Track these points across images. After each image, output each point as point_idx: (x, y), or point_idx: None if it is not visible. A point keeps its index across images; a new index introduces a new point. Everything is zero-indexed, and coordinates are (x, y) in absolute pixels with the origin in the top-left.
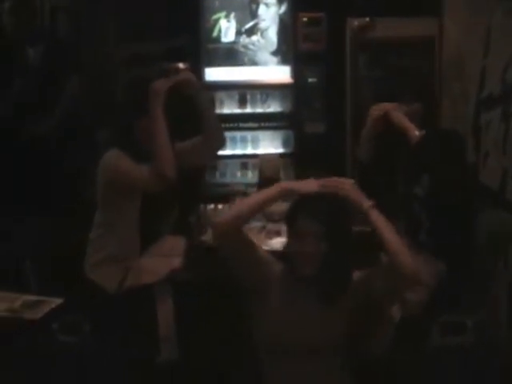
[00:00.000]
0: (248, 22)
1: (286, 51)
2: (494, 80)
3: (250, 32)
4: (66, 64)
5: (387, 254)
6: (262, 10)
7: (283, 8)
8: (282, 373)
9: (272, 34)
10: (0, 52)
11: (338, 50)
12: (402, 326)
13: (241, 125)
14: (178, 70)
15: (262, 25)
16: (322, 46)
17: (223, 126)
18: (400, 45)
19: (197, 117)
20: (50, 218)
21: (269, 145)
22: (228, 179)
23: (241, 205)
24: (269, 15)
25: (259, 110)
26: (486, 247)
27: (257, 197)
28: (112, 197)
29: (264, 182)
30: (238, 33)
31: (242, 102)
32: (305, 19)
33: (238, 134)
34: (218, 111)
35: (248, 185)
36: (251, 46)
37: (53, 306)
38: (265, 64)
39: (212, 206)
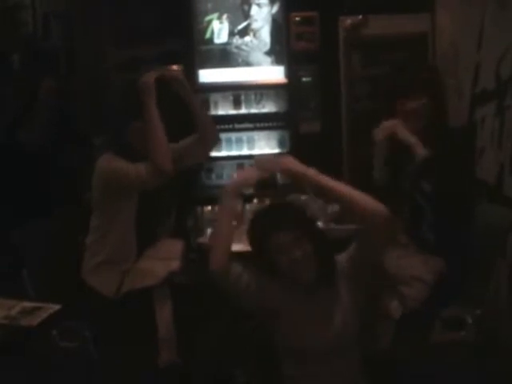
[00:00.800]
0: (241, 22)
1: (279, 51)
2: (488, 75)
3: (243, 33)
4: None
5: (352, 209)
6: (254, 10)
7: (275, 8)
8: (301, 374)
9: (265, 35)
10: None
11: (331, 49)
12: (403, 322)
13: (236, 126)
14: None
15: (255, 25)
16: (316, 45)
17: (218, 127)
18: (393, 42)
19: (187, 118)
20: (47, 223)
21: (264, 145)
22: (225, 181)
23: (218, 241)
24: (261, 15)
25: (254, 110)
26: (483, 240)
27: (222, 221)
28: (109, 200)
29: (260, 182)
30: (231, 34)
31: (237, 103)
32: (297, 19)
33: (234, 135)
34: (212, 113)
35: None
36: (244, 47)
37: (51, 312)
38: (258, 64)
39: (209, 207)
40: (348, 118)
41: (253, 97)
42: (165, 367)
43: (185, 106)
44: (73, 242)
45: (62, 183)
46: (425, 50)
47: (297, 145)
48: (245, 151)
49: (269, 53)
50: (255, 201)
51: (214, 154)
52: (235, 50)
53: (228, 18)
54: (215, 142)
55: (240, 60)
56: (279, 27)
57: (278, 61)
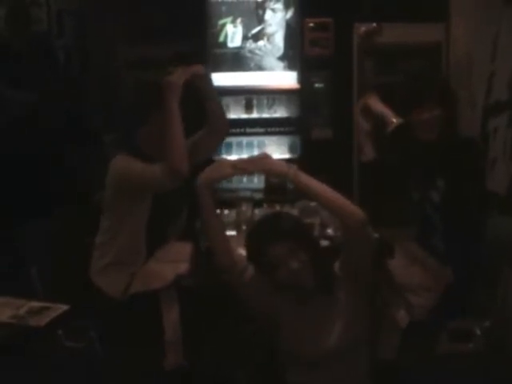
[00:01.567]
0: (254, 27)
1: (292, 56)
2: (501, 85)
3: (257, 37)
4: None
5: (330, 210)
6: (268, 15)
7: (290, 13)
8: (304, 380)
9: (279, 39)
10: None
11: (344, 56)
12: (410, 332)
13: (247, 130)
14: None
15: (269, 30)
16: (329, 52)
17: (229, 131)
18: (407, 50)
19: (196, 116)
20: (56, 222)
21: (275, 150)
22: (234, 185)
23: (214, 238)
24: (275, 20)
25: (266, 115)
26: (493, 252)
27: (208, 217)
28: (121, 201)
29: (270, 187)
30: (245, 38)
31: (249, 108)
32: (311, 24)
33: (245, 140)
34: None
35: (254, 190)
36: (258, 51)
37: (59, 312)
38: (271, 69)
39: (218, 211)
40: None
41: (265, 101)
42: (171, 369)
43: (194, 103)
44: (73, 242)
45: (62, 183)
46: (439, 59)
47: (308, 151)
48: None
49: (282, 58)
50: (265, 205)
51: (223, 157)
52: (248, 55)
53: (242, 22)
54: (226, 133)
55: (253, 64)
56: (293, 32)
57: (290, 66)
